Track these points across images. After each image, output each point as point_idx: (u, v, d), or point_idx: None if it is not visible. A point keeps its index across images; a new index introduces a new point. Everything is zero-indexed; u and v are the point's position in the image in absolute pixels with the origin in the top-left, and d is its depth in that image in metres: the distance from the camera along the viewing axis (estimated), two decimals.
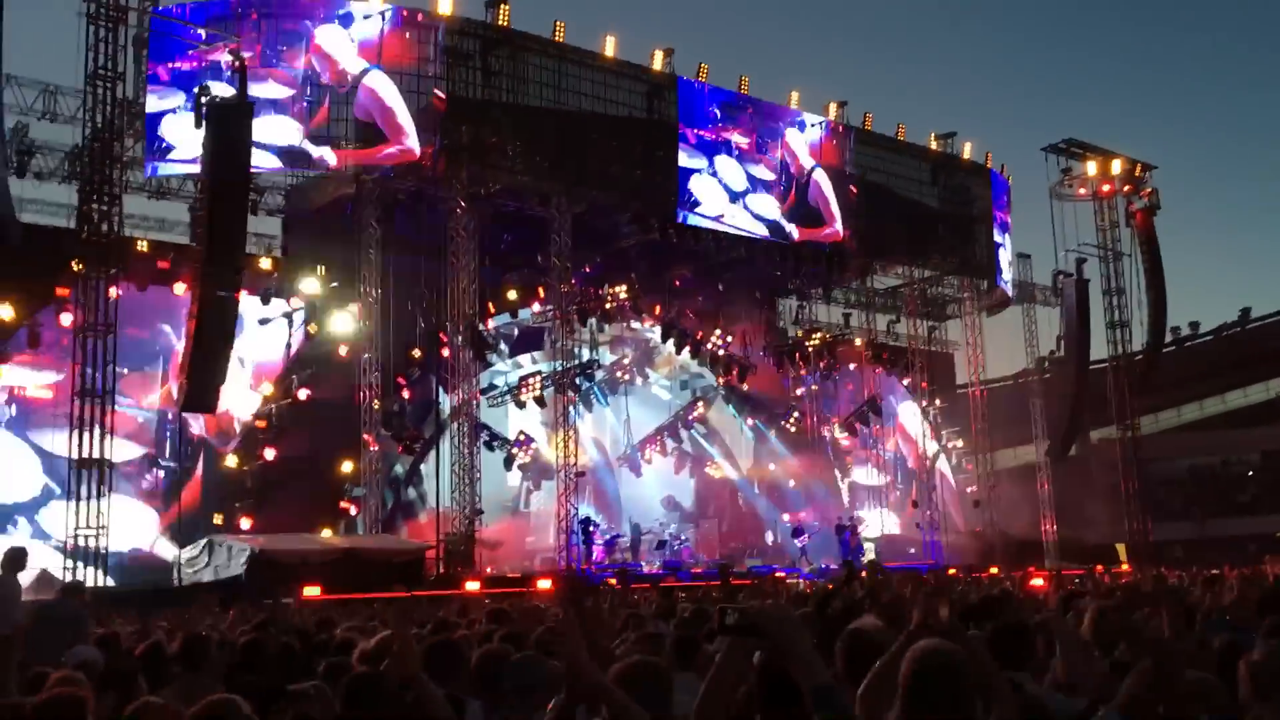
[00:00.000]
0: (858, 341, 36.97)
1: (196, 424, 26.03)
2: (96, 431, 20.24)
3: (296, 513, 25.70)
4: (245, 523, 25.06)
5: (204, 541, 22.69)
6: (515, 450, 29.44)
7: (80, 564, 19.82)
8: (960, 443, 40.20)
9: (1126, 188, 36.57)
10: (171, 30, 23.16)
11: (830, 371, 35.85)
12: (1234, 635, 5.14)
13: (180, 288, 24.59)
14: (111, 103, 20.96)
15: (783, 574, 24.82)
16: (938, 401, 39.72)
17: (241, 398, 26.65)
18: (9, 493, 24.22)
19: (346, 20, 24.71)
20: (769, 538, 34.76)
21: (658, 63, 28.85)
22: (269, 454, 25.94)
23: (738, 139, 30.06)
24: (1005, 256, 36.85)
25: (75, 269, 21.34)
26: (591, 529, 28.00)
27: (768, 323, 37.16)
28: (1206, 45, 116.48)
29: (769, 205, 30.52)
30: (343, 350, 27.21)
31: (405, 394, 28.52)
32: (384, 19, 24.96)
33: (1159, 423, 48.31)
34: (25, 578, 10.03)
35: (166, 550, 25.02)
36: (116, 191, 21.28)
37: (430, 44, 25.32)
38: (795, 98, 31.77)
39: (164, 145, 23.39)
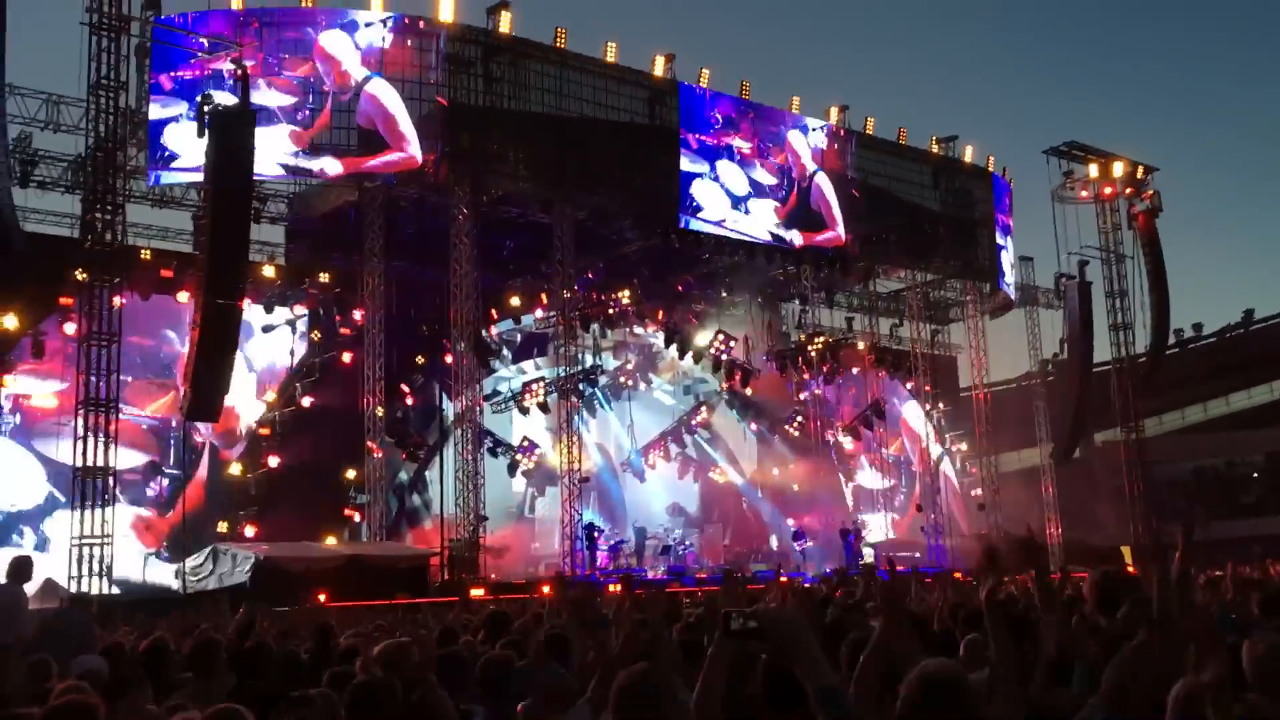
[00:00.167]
0: (861, 345, 36.95)
1: (204, 429, 26.07)
2: (101, 440, 20.25)
3: (301, 520, 25.72)
4: (250, 530, 25.12)
5: (208, 550, 22.70)
6: (519, 456, 29.41)
7: (85, 572, 19.81)
8: (964, 446, 40.18)
9: (1128, 190, 36.57)
10: (174, 39, 23.24)
11: (833, 376, 35.81)
12: (1238, 636, 5.13)
13: (184, 296, 24.67)
14: (114, 112, 20.91)
15: (786, 579, 24.75)
16: (941, 405, 39.71)
17: (247, 402, 26.73)
18: (13, 502, 24.28)
19: (350, 28, 24.78)
20: (773, 542, 34.73)
21: (659, 68, 28.88)
22: (273, 461, 26.07)
23: (739, 144, 30.03)
24: (1008, 259, 36.82)
25: (79, 278, 21.38)
26: (596, 534, 27.93)
27: (770, 327, 37.16)
28: (1207, 46, 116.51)
29: (770, 213, 30.53)
30: (346, 357, 27.27)
31: (409, 400, 28.62)
32: (386, 27, 25.04)
33: (1163, 425, 48.32)
34: (30, 587, 10.01)
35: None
36: (120, 200, 21.27)
37: (432, 51, 25.38)
38: (796, 102, 31.73)
39: (167, 154, 23.47)
